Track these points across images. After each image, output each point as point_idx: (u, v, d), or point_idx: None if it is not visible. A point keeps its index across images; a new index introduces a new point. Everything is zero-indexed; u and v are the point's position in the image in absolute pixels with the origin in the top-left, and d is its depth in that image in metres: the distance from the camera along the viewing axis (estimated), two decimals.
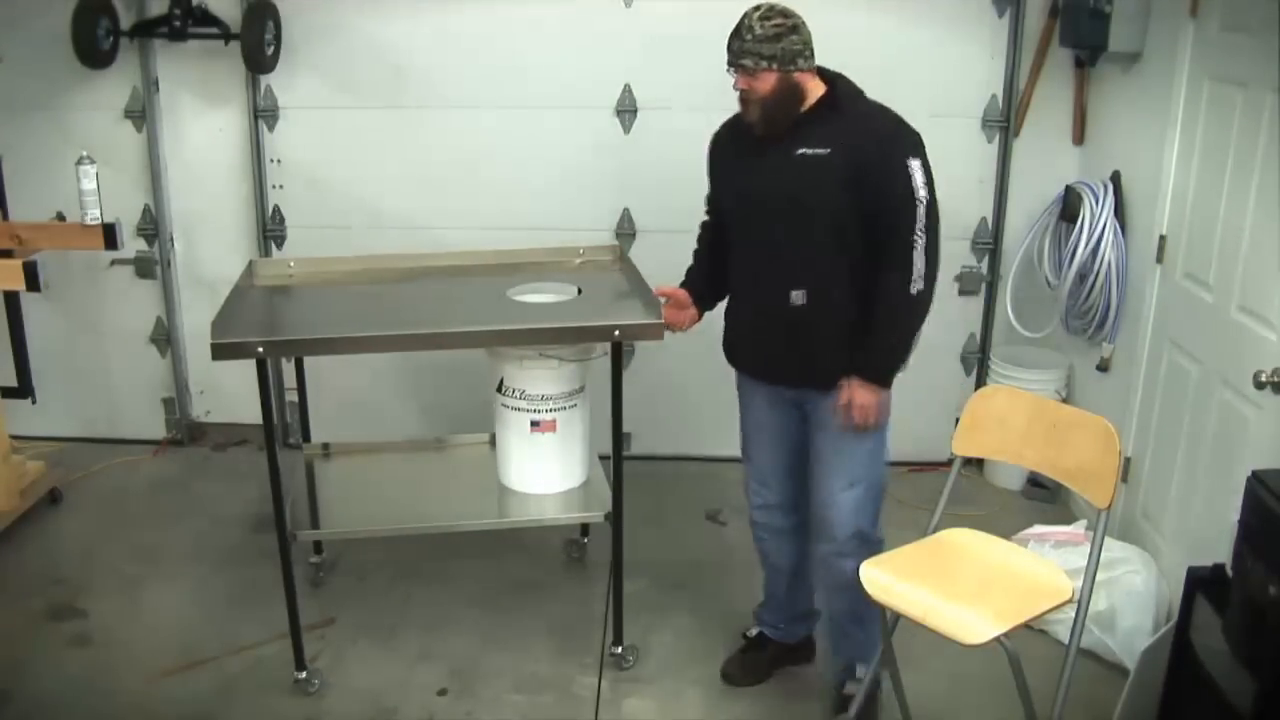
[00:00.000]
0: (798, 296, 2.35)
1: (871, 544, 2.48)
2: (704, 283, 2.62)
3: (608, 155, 3.78)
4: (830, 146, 2.28)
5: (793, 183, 2.32)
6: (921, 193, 2.25)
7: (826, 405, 2.40)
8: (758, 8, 2.30)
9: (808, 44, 2.30)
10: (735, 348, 2.57)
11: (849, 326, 2.35)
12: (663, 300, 2.61)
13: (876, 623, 2.44)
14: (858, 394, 2.34)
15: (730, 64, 2.31)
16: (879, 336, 2.34)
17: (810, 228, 2.33)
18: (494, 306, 2.77)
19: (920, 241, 2.25)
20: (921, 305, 2.31)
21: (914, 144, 2.29)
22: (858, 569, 2.32)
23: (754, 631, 2.86)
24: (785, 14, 2.29)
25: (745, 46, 2.28)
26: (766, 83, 2.28)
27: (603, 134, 3.76)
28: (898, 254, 2.26)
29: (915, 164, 2.26)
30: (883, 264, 2.29)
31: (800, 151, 2.30)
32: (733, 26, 2.30)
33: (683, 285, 2.62)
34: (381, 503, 2.96)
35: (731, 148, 2.49)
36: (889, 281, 2.28)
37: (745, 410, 2.62)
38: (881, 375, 2.35)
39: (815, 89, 2.33)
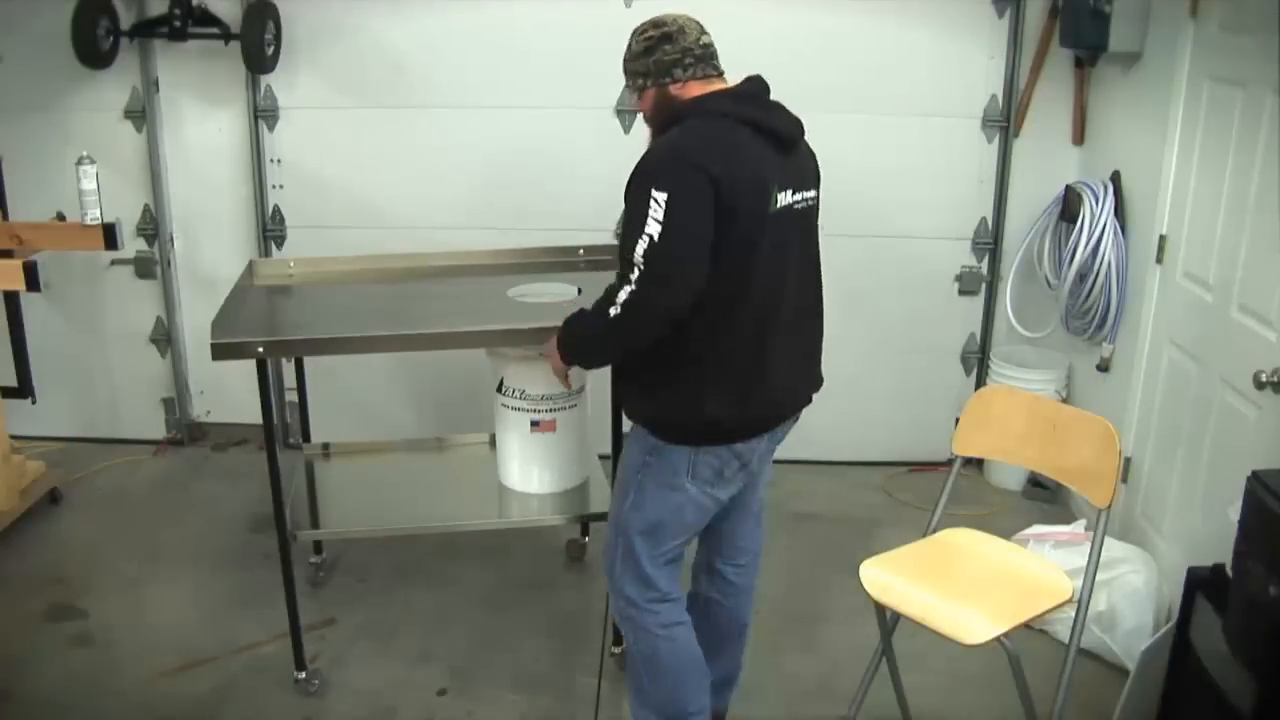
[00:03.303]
0: None
1: (619, 597, 2.29)
2: None
3: (608, 155, 3.78)
4: None
5: None
6: (650, 226, 1.94)
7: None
8: (641, 24, 2.18)
9: (688, 51, 2.12)
10: None
11: (639, 357, 2.12)
12: None
13: (648, 691, 2.33)
14: (552, 347, 2.26)
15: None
16: (580, 312, 2.16)
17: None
18: (494, 306, 2.76)
19: (634, 275, 1.97)
20: (611, 333, 2.05)
21: (667, 176, 1.97)
22: (623, 624, 2.31)
23: None
24: (658, 23, 2.15)
25: (624, 69, 2.18)
26: (649, 101, 2.17)
27: (603, 134, 3.76)
28: (618, 276, 2.02)
29: (660, 196, 1.94)
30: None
31: None
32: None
33: None
34: (381, 503, 2.96)
35: None
36: (605, 292, 2.05)
37: None
38: (561, 337, 2.23)
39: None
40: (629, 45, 2.19)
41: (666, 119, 2.14)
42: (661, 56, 2.13)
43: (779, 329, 2.15)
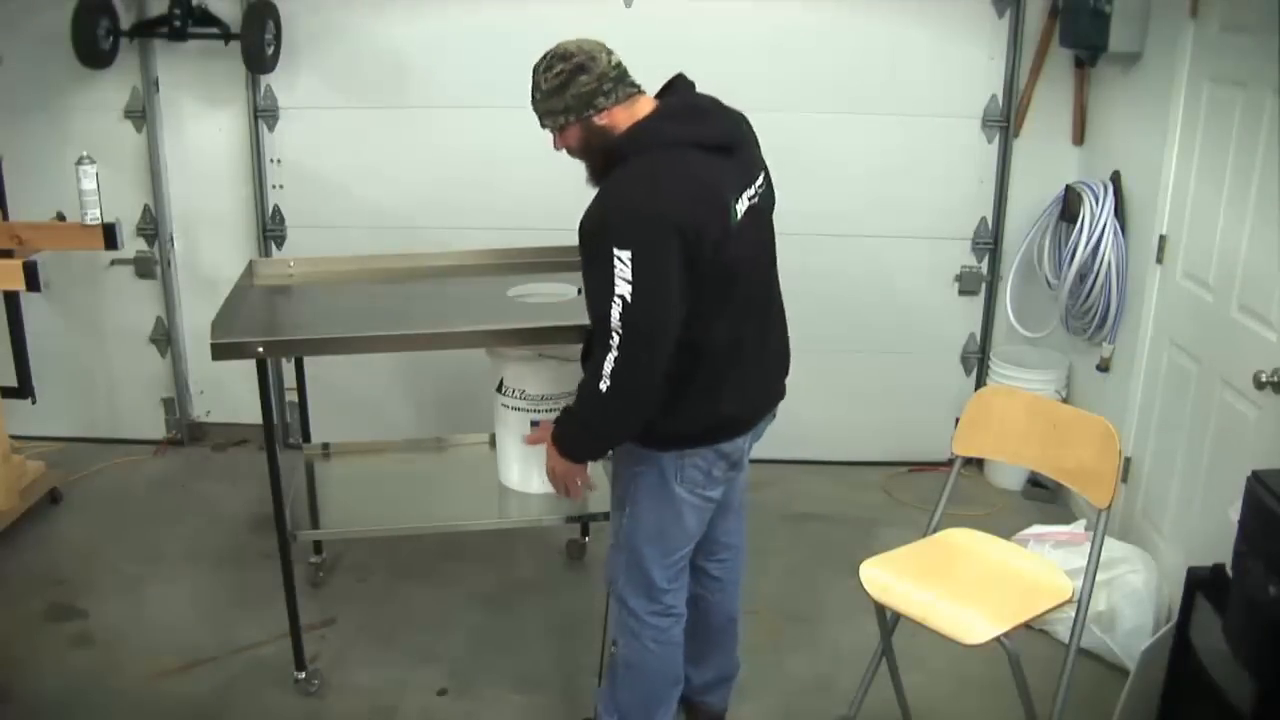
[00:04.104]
0: None
1: (622, 608, 2.29)
2: None
3: None
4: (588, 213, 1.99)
5: None
6: (620, 287, 1.88)
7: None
8: (541, 59, 2.06)
9: (604, 76, 2.01)
10: None
11: None
12: None
13: (621, 695, 2.37)
14: (549, 452, 2.17)
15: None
16: (570, 409, 2.11)
17: None
18: (494, 306, 2.77)
19: (614, 341, 1.91)
20: (611, 406, 1.98)
21: (627, 232, 1.90)
22: (620, 631, 2.30)
23: None
24: (566, 56, 2.03)
25: (537, 108, 2.07)
26: (573, 137, 2.06)
27: None
28: (596, 344, 1.96)
29: (624, 255, 1.87)
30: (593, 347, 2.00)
31: None
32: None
33: None
34: (381, 503, 2.96)
35: None
36: (588, 368, 2.01)
37: None
38: (560, 440, 2.14)
39: (628, 122, 2.03)
40: (536, 84, 2.06)
41: (603, 156, 2.04)
42: (579, 89, 2.01)
43: (751, 329, 2.14)
